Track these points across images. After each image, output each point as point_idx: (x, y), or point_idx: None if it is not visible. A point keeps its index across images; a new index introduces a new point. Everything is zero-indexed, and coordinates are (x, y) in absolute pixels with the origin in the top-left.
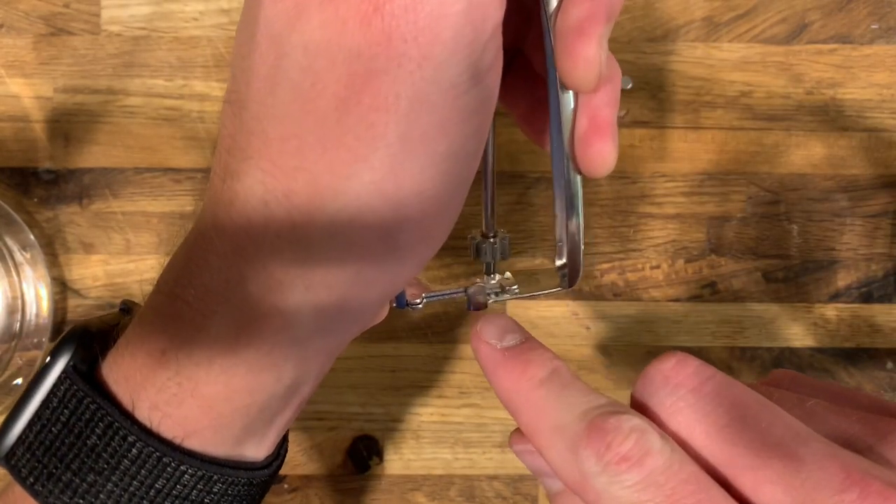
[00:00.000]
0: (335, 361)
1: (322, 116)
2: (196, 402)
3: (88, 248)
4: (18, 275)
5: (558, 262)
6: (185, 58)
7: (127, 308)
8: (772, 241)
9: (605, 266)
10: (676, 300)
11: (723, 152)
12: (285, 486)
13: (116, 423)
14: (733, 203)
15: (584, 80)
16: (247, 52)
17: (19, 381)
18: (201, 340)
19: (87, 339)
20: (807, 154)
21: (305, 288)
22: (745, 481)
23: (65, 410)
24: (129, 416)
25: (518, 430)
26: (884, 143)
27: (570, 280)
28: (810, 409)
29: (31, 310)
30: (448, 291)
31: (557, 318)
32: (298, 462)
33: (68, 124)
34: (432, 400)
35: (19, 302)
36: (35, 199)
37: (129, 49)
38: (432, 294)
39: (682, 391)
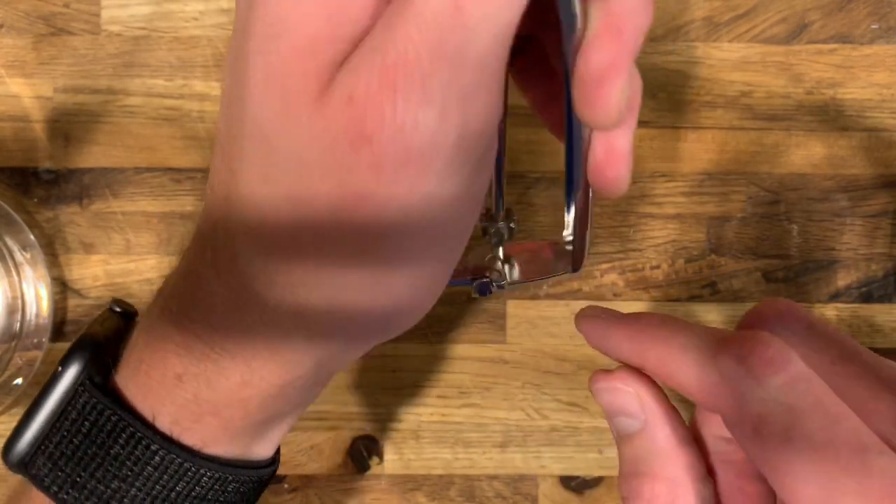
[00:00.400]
0: None
1: (316, 223)
2: (215, 420)
3: (88, 248)
4: (18, 275)
5: (566, 235)
6: (186, 58)
7: (125, 312)
8: (772, 241)
9: (605, 266)
10: (676, 300)
11: (723, 152)
12: (285, 486)
13: (139, 434)
14: (733, 203)
15: (602, 125)
16: (234, 138)
17: (19, 381)
18: (216, 375)
19: (98, 350)
20: (807, 154)
21: (311, 319)
22: (855, 410)
23: (85, 422)
24: (150, 427)
25: (602, 371)
26: (884, 142)
27: (574, 262)
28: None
29: (31, 310)
30: (459, 280)
31: (557, 318)
32: (298, 462)
33: (68, 124)
34: (432, 400)
35: (19, 302)
36: (35, 199)
37: (130, 49)
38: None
39: (796, 326)
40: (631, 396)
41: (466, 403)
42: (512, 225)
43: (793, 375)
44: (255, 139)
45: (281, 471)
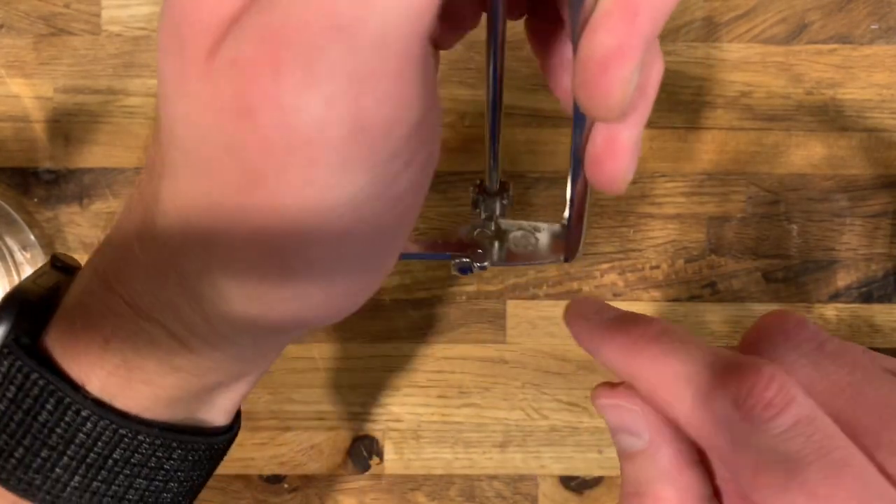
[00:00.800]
0: (336, 361)
1: (218, 203)
2: (147, 387)
3: (89, 248)
4: (18, 275)
5: (564, 219)
6: None
7: (63, 266)
8: (772, 242)
9: (605, 266)
10: (676, 300)
11: (723, 152)
12: (285, 486)
13: (68, 399)
14: (733, 203)
15: (601, 117)
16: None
17: None
18: (143, 342)
19: (28, 309)
20: (807, 154)
21: (226, 292)
22: (867, 443)
23: (10, 387)
24: (80, 391)
25: (605, 384)
26: (883, 143)
27: (567, 251)
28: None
29: None
30: (438, 254)
31: (557, 318)
32: (298, 462)
33: (68, 124)
34: (432, 400)
35: None
36: (35, 199)
37: (130, 49)
38: (420, 254)
39: (805, 348)
40: (635, 415)
41: (466, 403)
42: (505, 201)
43: (794, 419)
44: (160, 100)
45: (281, 471)
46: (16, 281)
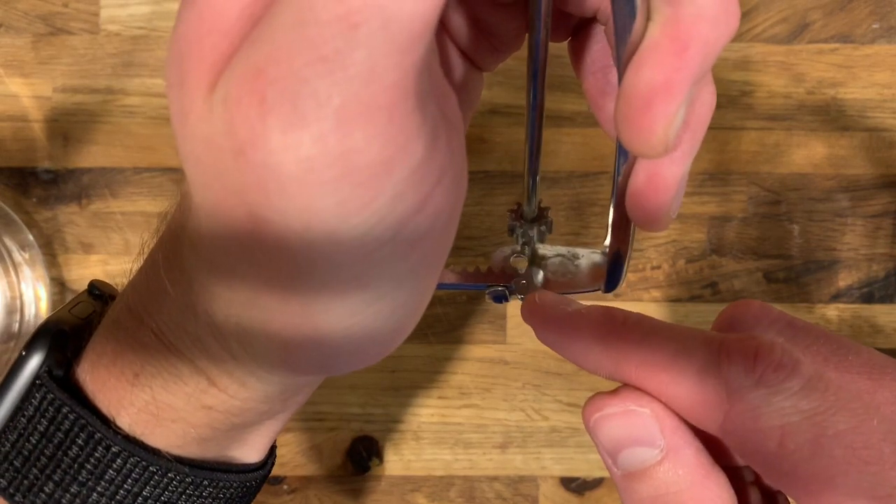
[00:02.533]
0: None
1: (232, 241)
2: (177, 425)
3: (87, 248)
4: (17, 275)
5: (606, 246)
6: None
7: (100, 294)
8: (773, 242)
9: None
10: (677, 300)
11: (724, 152)
12: (285, 487)
13: (98, 434)
14: (734, 203)
15: (641, 154)
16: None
17: None
18: (173, 378)
19: (61, 339)
20: (808, 154)
21: (262, 328)
22: None
23: (42, 420)
24: (110, 426)
25: (594, 397)
26: (885, 142)
27: (608, 282)
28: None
29: (29, 310)
30: (473, 285)
31: None
32: (298, 463)
33: (67, 124)
34: (432, 401)
35: (18, 302)
36: (34, 199)
37: (129, 48)
38: (455, 285)
39: (777, 326)
40: (647, 419)
41: (466, 404)
42: (543, 227)
43: (807, 377)
44: (175, 131)
45: (280, 472)
46: (14, 281)
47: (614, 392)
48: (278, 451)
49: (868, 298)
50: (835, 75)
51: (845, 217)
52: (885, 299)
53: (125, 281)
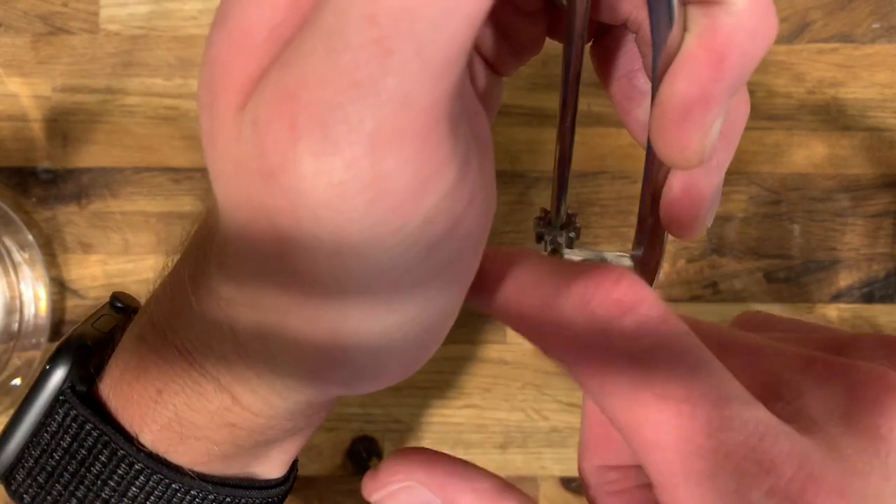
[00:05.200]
0: None
1: (263, 262)
2: (201, 443)
3: (87, 248)
4: (17, 275)
5: (633, 253)
6: (184, 57)
7: (122, 307)
8: (773, 241)
9: None
10: (678, 300)
11: None
12: None
13: (122, 451)
14: (735, 203)
15: (676, 166)
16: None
17: (17, 381)
18: (196, 396)
19: (85, 353)
20: (808, 154)
21: (286, 345)
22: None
23: (65, 436)
24: (133, 443)
25: (368, 477)
26: (885, 142)
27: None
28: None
29: (29, 310)
30: None
31: None
32: (298, 463)
33: (67, 124)
34: (432, 401)
35: (17, 302)
36: (33, 199)
37: (128, 48)
38: None
39: (785, 325)
40: (414, 490)
41: (466, 404)
42: (572, 234)
43: (643, 318)
44: (205, 151)
45: None
46: (14, 281)
47: (375, 474)
48: (305, 444)
49: (868, 298)
50: (835, 75)
51: (846, 217)
52: (885, 299)
53: (125, 281)
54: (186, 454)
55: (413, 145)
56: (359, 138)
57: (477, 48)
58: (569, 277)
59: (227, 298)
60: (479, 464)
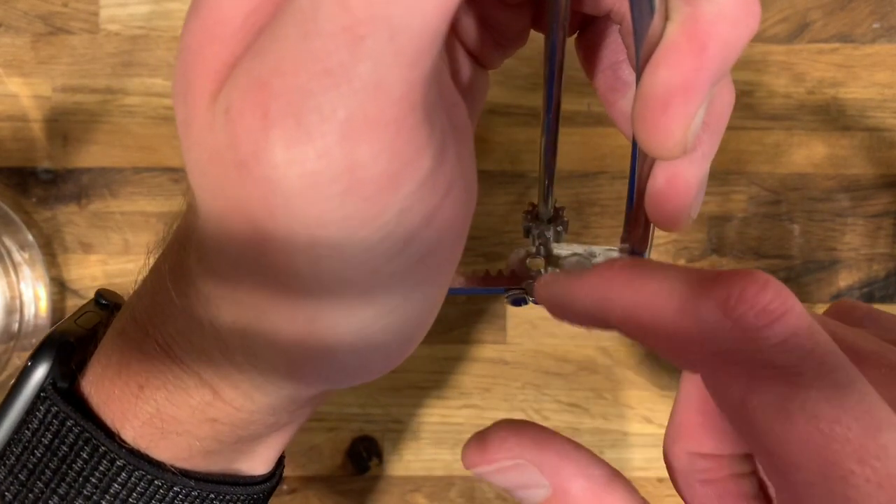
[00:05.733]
0: None
1: (239, 253)
2: (183, 438)
3: (87, 248)
4: (17, 275)
5: (622, 246)
6: None
7: (106, 303)
8: (773, 241)
9: None
10: None
11: (724, 152)
12: (284, 487)
13: (103, 448)
14: (734, 203)
15: (659, 156)
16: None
17: None
18: (177, 391)
19: (66, 350)
20: (808, 154)
21: (267, 341)
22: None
23: (47, 433)
24: (115, 439)
25: (466, 450)
26: (885, 142)
27: None
28: None
29: (29, 310)
30: (489, 289)
31: None
32: (298, 463)
33: (67, 124)
34: (432, 401)
35: (17, 302)
36: (33, 199)
37: (128, 48)
38: (471, 289)
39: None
40: (523, 468)
41: (466, 404)
42: (559, 228)
43: (792, 330)
44: (181, 141)
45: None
46: (14, 281)
47: (482, 445)
48: (291, 440)
49: (868, 298)
50: (835, 75)
51: (846, 217)
52: (885, 299)
53: (125, 281)
54: (168, 450)
55: (387, 134)
56: (331, 127)
57: (460, 39)
58: (705, 283)
59: (207, 293)
60: None
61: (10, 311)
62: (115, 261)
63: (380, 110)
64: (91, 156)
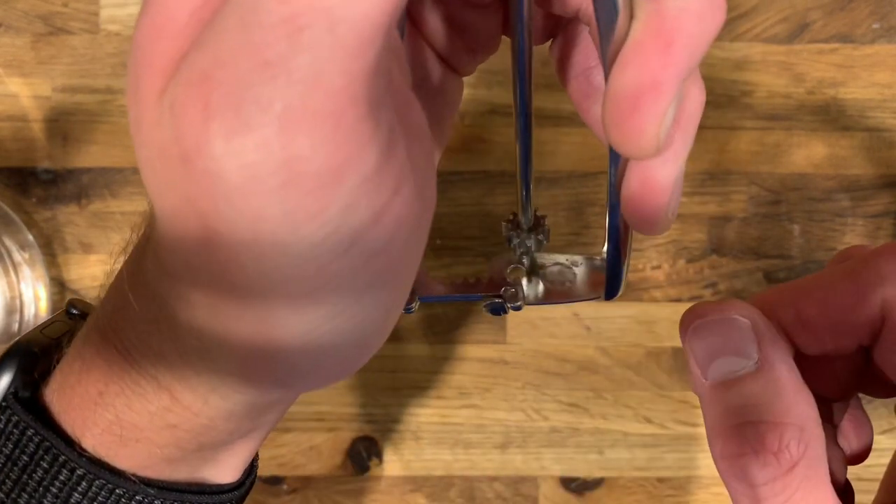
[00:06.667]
0: None
1: (188, 250)
2: (142, 446)
3: (87, 248)
4: (17, 275)
5: (604, 252)
6: None
7: (77, 312)
8: (773, 241)
9: None
10: (677, 300)
11: (724, 152)
12: (284, 487)
13: (63, 457)
14: (734, 203)
15: (631, 155)
16: None
17: None
18: (136, 397)
19: (30, 360)
20: (808, 154)
21: (224, 345)
22: None
23: (8, 443)
24: (76, 448)
25: (695, 305)
26: (885, 142)
27: (608, 290)
28: None
29: (29, 310)
30: (467, 296)
31: (558, 318)
32: (298, 463)
33: (67, 124)
34: (432, 401)
35: (18, 302)
36: (33, 199)
37: (128, 48)
38: (448, 296)
39: None
40: (745, 330)
41: (466, 404)
42: (541, 237)
43: None
44: (133, 139)
45: (280, 472)
46: (14, 281)
47: (718, 302)
48: (278, 452)
49: None
50: (835, 75)
51: (845, 217)
52: None
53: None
54: (129, 458)
55: (326, 126)
56: (269, 118)
57: (428, 42)
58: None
59: (163, 294)
60: (478, 464)
61: (10, 311)
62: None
63: (319, 102)
64: (91, 156)
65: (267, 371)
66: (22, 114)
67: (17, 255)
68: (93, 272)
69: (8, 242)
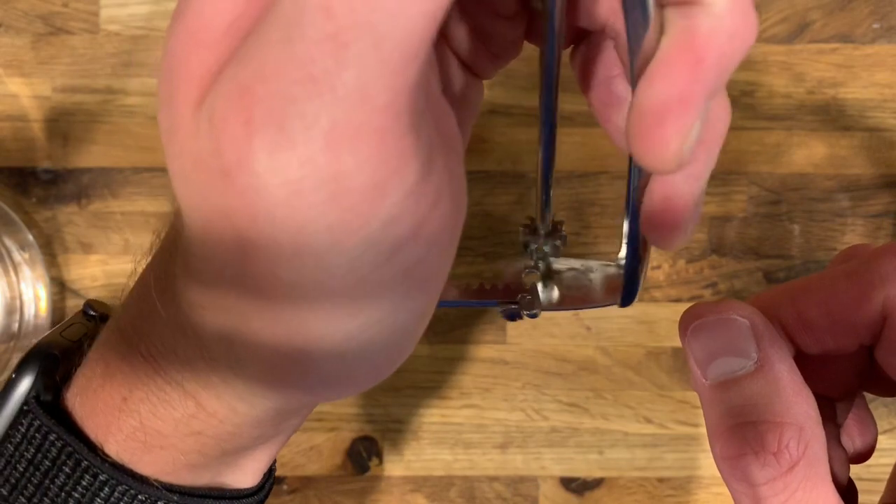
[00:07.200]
0: None
1: (226, 262)
2: (167, 452)
3: (87, 248)
4: (17, 275)
5: (620, 258)
6: None
7: (94, 314)
8: (773, 241)
9: None
10: (677, 300)
11: (724, 152)
12: (285, 487)
13: (85, 462)
14: (734, 203)
15: (654, 170)
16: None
17: None
18: (161, 403)
19: (51, 363)
20: (808, 154)
21: (249, 350)
22: None
23: (29, 447)
24: (98, 453)
25: (693, 306)
26: (885, 142)
27: (624, 297)
28: None
29: (29, 310)
30: (483, 301)
31: (558, 318)
32: (298, 463)
33: (67, 124)
34: (432, 401)
35: (17, 302)
36: (33, 199)
37: (128, 48)
38: (465, 302)
39: None
40: (744, 330)
41: (466, 404)
42: (557, 243)
43: None
44: (165, 148)
45: (280, 472)
46: (14, 281)
47: (717, 303)
48: (279, 452)
49: None
50: (835, 75)
51: (846, 217)
52: None
53: (125, 282)
54: (152, 464)
55: (371, 142)
56: (315, 134)
57: (452, 49)
58: None
59: (192, 301)
60: (478, 464)
61: (10, 311)
62: (115, 261)
63: (364, 119)
64: (91, 156)
65: (298, 379)
66: (22, 114)
67: (17, 255)
68: (93, 272)
69: (8, 242)
